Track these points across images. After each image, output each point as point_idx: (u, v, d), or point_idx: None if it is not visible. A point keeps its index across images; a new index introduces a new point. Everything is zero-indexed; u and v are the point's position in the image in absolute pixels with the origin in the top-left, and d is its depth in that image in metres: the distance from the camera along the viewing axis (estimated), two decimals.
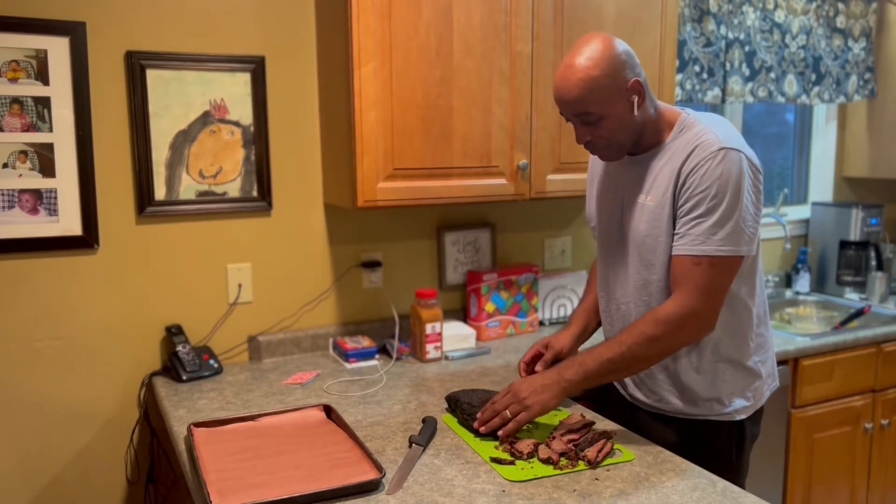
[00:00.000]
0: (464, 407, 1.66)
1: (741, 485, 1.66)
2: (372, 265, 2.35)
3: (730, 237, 1.45)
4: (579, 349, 1.78)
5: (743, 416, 1.62)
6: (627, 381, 1.73)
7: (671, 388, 1.62)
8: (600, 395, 1.84)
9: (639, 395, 1.69)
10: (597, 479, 1.40)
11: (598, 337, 1.79)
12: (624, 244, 1.63)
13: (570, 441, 1.51)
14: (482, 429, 1.57)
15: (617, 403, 1.79)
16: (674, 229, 1.51)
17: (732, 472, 1.61)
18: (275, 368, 2.12)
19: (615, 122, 1.50)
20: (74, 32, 1.90)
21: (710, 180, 1.44)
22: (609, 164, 1.69)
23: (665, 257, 1.53)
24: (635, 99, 1.49)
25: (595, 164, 1.77)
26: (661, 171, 1.54)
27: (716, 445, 1.62)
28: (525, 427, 1.58)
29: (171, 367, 2.02)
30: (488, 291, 2.40)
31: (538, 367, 1.77)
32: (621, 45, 1.49)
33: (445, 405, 1.79)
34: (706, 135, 1.49)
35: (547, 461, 1.45)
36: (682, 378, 1.60)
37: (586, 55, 1.46)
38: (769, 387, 1.68)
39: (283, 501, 1.26)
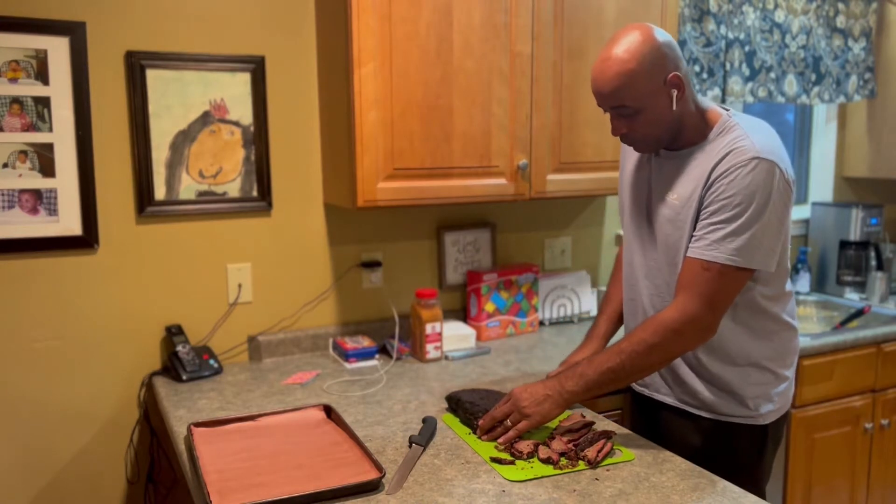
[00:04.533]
0: (466, 406, 1.66)
1: (761, 490, 1.63)
2: (372, 265, 2.35)
3: (744, 249, 1.42)
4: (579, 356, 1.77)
5: (768, 421, 1.61)
6: (651, 375, 1.71)
7: (698, 379, 1.60)
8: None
9: (663, 388, 1.67)
10: (597, 479, 1.40)
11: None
12: (651, 241, 1.61)
13: (570, 441, 1.51)
14: (483, 438, 1.57)
15: (639, 402, 1.79)
16: (694, 231, 1.49)
17: (752, 478, 1.59)
18: (275, 368, 2.12)
19: (652, 115, 1.47)
20: (74, 32, 1.90)
21: (736, 188, 1.41)
22: (643, 156, 1.66)
23: (684, 257, 1.51)
24: (675, 93, 1.45)
25: (628, 152, 1.73)
26: (693, 171, 1.50)
27: (737, 449, 1.60)
28: None
29: (171, 367, 2.02)
30: (488, 291, 2.40)
31: None
32: (662, 36, 1.45)
33: (445, 405, 1.79)
34: (743, 140, 1.44)
35: (547, 461, 1.45)
36: (711, 371, 1.59)
37: (624, 47, 1.42)
38: (792, 390, 1.67)
39: (283, 501, 1.26)
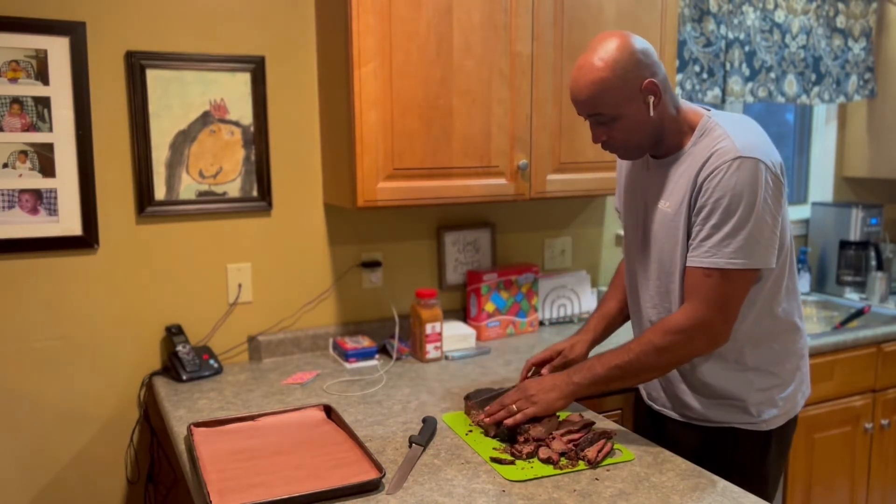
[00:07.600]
0: (470, 395, 1.70)
1: (767, 496, 1.60)
2: (372, 265, 2.35)
3: (742, 249, 1.41)
4: (590, 354, 1.77)
5: (771, 427, 1.59)
6: (652, 391, 1.72)
7: (693, 395, 1.61)
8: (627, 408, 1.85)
9: (665, 403, 1.68)
10: (597, 479, 1.40)
11: (614, 340, 1.79)
12: (646, 250, 1.61)
13: (570, 441, 1.51)
14: (486, 420, 1.58)
15: (644, 416, 1.79)
16: (689, 238, 1.49)
17: (755, 483, 1.58)
18: (275, 368, 2.12)
19: (629, 122, 1.47)
20: (74, 32, 1.90)
21: (723, 190, 1.41)
22: (634, 166, 1.67)
23: (682, 265, 1.51)
24: (651, 100, 1.45)
25: (623, 162, 1.74)
26: (680, 178, 1.50)
27: (737, 455, 1.59)
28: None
29: (171, 367, 2.02)
30: (488, 291, 2.40)
31: (544, 371, 1.78)
32: (639, 44, 1.45)
33: (445, 405, 1.79)
34: (724, 141, 1.44)
35: (547, 461, 1.45)
36: (708, 380, 1.58)
37: (599, 55, 1.43)
38: (803, 394, 1.65)
39: (283, 501, 1.27)
